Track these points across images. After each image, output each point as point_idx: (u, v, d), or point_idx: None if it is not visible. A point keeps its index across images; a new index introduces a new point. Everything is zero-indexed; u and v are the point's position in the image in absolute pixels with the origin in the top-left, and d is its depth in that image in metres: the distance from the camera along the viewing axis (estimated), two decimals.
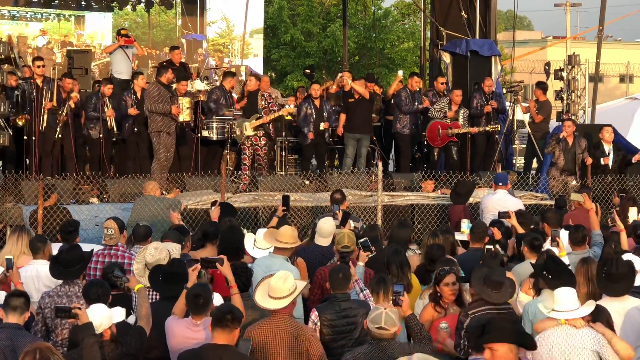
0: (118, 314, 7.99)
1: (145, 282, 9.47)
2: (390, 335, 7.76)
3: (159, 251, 9.58)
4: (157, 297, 9.50)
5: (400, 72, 21.89)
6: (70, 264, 9.30)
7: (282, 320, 8.18)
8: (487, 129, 19.03)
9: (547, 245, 11.57)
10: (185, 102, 17.36)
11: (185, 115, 17.37)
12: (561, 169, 17.90)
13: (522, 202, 15.44)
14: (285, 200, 13.17)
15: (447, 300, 9.35)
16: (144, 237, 11.28)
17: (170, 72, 17.60)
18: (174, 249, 9.87)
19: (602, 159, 17.94)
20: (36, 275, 10.20)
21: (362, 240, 10.31)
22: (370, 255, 10.25)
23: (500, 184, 15.32)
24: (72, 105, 17.41)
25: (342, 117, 18.68)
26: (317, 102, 18.52)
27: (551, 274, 9.17)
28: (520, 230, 12.50)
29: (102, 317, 7.73)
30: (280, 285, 8.22)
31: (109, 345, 7.69)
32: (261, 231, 10.94)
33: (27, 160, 17.24)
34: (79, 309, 7.71)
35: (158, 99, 17.14)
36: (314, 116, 18.38)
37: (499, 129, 19.31)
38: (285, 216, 13.03)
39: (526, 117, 20.51)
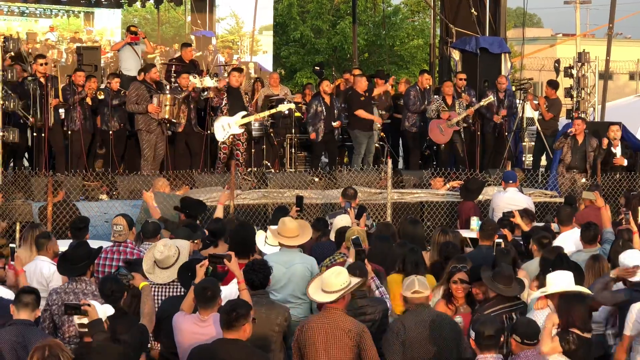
0: (109, 309, 7.99)
1: (154, 279, 9.49)
2: (425, 299, 8.51)
3: (168, 248, 9.58)
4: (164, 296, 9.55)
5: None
6: (76, 261, 9.30)
7: (335, 315, 8.20)
8: (482, 103, 19.01)
9: (557, 242, 11.60)
10: (166, 100, 17.21)
11: (165, 113, 17.19)
12: (567, 165, 17.87)
13: (532, 200, 15.42)
14: (299, 201, 13.15)
15: (457, 297, 9.36)
16: (152, 233, 11.29)
17: (154, 71, 17.68)
18: (183, 246, 9.87)
19: (614, 159, 17.89)
20: (33, 271, 10.22)
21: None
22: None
23: (510, 181, 15.31)
24: (90, 101, 17.50)
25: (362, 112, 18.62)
26: (327, 100, 18.49)
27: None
28: (525, 228, 12.50)
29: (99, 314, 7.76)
30: (332, 279, 8.25)
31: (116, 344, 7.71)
32: (273, 228, 10.94)
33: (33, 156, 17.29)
34: (88, 305, 7.72)
35: (136, 99, 17.24)
36: (325, 113, 18.36)
37: (492, 100, 19.20)
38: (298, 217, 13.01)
39: (536, 115, 20.47)
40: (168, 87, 17.96)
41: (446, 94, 18.80)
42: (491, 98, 19.07)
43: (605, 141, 17.93)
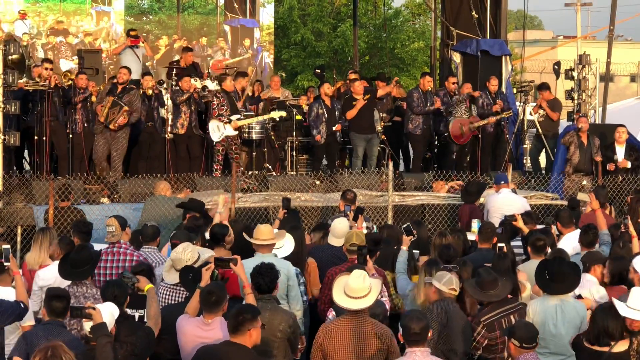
0: (114, 310, 8.00)
1: (165, 277, 9.54)
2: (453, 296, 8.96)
3: (184, 251, 9.56)
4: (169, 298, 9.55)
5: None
6: (79, 264, 9.30)
7: (363, 319, 8.20)
8: (503, 115, 19.23)
9: (560, 244, 11.63)
10: (107, 102, 16.95)
11: (101, 116, 16.93)
12: (575, 166, 17.85)
13: (526, 201, 15.42)
14: (286, 203, 13.16)
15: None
16: (151, 237, 11.31)
17: (123, 72, 17.46)
18: (206, 253, 9.84)
19: (619, 162, 17.88)
20: (54, 278, 10.18)
21: (404, 225, 10.73)
22: (412, 239, 10.61)
23: (502, 182, 15.29)
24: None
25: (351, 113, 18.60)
26: (328, 102, 18.49)
27: (550, 275, 9.13)
28: (526, 231, 12.51)
29: (106, 316, 7.76)
30: (360, 284, 8.21)
31: (121, 346, 7.71)
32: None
33: (38, 160, 17.27)
34: (93, 308, 7.74)
35: (99, 100, 17.19)
36: (326, 116, 18.36)
37: (511, 113, 19.34)
38: (293, 217, 12.98)
39: (536, 117, 20.45)
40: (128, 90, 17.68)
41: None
42: (511, 112, 19.21)
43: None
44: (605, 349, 8.13)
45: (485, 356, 8.78)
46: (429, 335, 7.76)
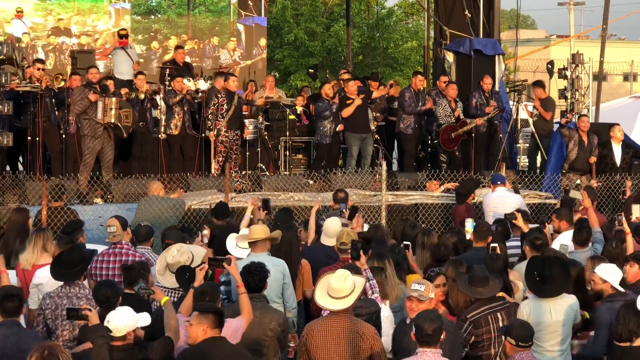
0: (144, 318, 7.92)
1: (162, 280, 9.56)
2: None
3: (181, 254, 9.58)
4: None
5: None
6: (72, 265, 9.27)
7: (346, 319, 8.15)
8: (491, 114, 19.16)
9: (557, 242, 11.63)
10: (111, 104, 16.50)
11: (110, 117, 16.43)
12: (572, 163, 17.83)
13: (522, 199, 15.41)
14: (266, 204, 13.15)
15: (436, 301, 9.36)
16: (145, 237, 11.30)
17: (93, 71, 17.11)
18: (199, 253, 9.82)
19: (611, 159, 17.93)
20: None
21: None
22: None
23: (499, 182, 15.29)
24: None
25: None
26: (330, 102, 18.43)
27: (540, 277, 9.09)
28: (526, 230, 12.49)
29: (127, 320, 7.69)
30: (341, 284, 8.16)
31: (119, 349, 7.67)
32: (242, 234, 10.81)
33: (30, 160, 17.23)
34: (89, 310, 7.72)
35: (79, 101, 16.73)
36: (331, 115, 18.34)
37: (499, 111, 19.31)
38: (287, 216, 12.94)
39: (531, 120, 20.44)
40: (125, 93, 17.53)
41: (451, 96, 18.91)
42: (497, 110, 19.17)
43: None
44: (629, 344, 8.18)
45: (472, 354, 8.77)
46: (442, 337, 7.70)
